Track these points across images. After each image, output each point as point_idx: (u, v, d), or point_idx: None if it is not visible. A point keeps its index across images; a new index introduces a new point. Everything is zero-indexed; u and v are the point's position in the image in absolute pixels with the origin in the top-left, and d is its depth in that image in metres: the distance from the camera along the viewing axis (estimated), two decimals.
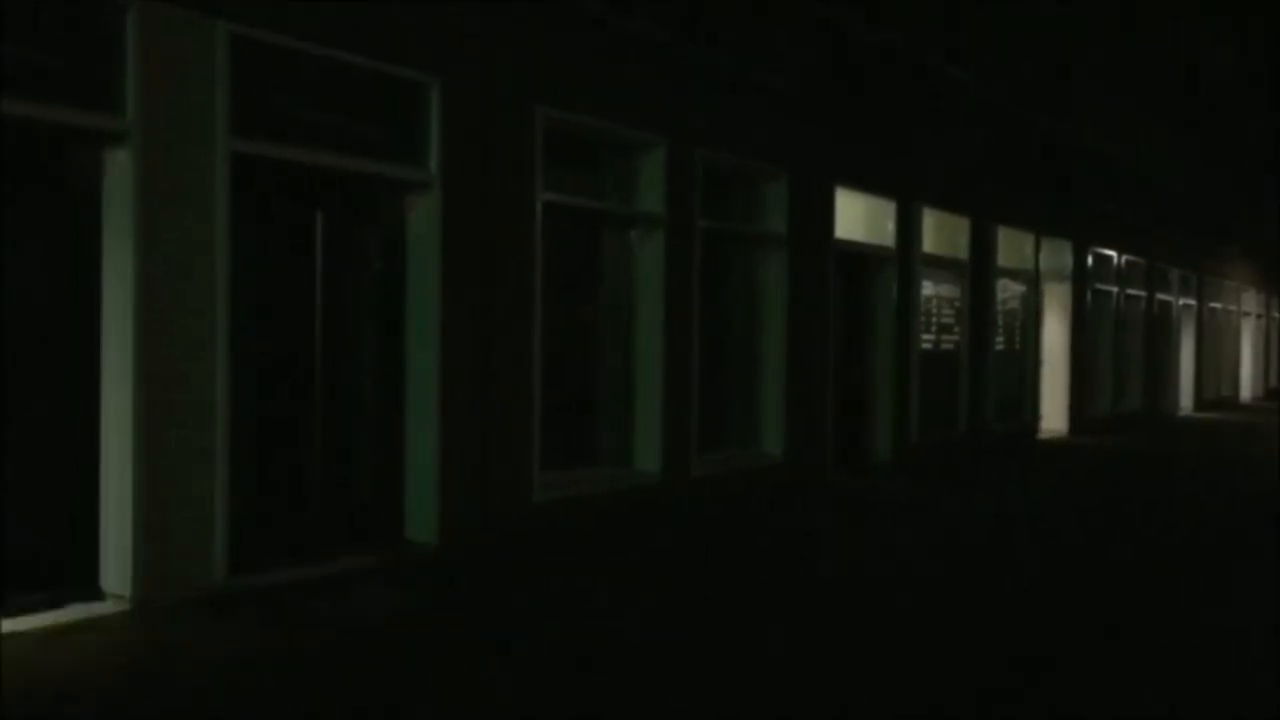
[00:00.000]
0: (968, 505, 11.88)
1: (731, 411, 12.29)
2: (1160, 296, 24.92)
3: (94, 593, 6.71)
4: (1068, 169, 19.36)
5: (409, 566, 8.09)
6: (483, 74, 8.82)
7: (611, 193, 10.72)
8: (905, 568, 8.83)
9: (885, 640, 6.70)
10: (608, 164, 10.68)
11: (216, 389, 7.04)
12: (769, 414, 12.50)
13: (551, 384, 9.62)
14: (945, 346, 16.15)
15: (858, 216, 13.88)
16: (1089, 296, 20.93)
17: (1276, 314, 36.66)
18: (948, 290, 16.20)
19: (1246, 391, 32.44)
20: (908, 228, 14.72)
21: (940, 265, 15.75)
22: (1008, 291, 18.05)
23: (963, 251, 16.39)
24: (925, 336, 15.49)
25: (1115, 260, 22.30)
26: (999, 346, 17.64)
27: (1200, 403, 27.53)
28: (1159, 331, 24.93)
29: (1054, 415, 19.96)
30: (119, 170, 6.67)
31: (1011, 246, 17.80)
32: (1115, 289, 22.35)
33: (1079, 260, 20.44)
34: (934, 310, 15.81)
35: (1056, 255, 19.75)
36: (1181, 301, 26.40)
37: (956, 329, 16.45)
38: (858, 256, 14.02)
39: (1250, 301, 32.88)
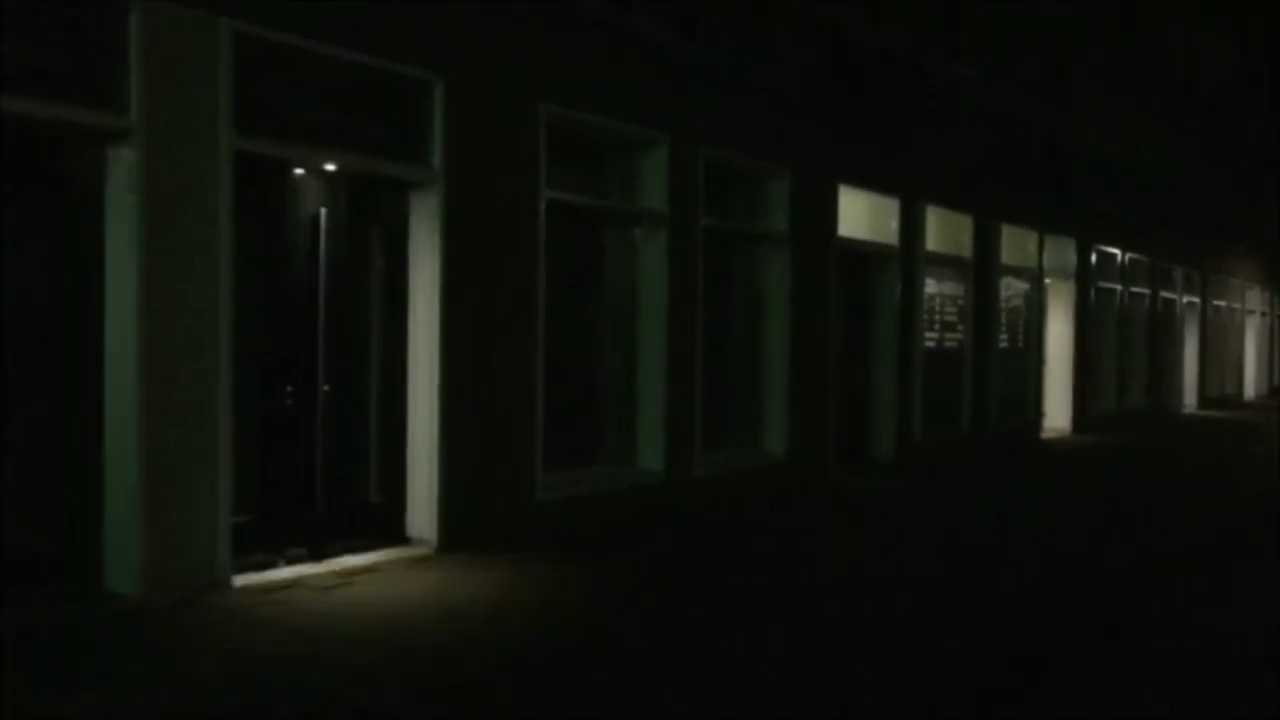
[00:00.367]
0: (970, 505, 11.89)
1: (733, 411, 12.29)
2: (1164, 294, 24.88)
3: (96, 592, 6.71)
4: (1069, 168, 19.34)
5: (409, 565, 8.10)
6: (485, 73, 8.82)
7: (614, 191, 10.72)
8: (906, 567, 8.83)
9: (886, 640, 6.71)
10: (610, 162, 10.68)
11: (218, 389, 7.04)
12: (771, 413, 12.50)
13: (554, 382, 9.63)
14: (948, 345, 16.12)
15: (861, 215, 13.86)
16: (1093, 294, 20.89)
17: None
18: (951, 288, 16.16)
19: (1250, 389, 32.38)
20: (911, 226, 14.70)
21: (943, 263, 15.73)
22: (1011, 289, 18.00)
23: (966, 249, 16.35)
24: (928, 335, 15.45)
25: (1119, 258, 22.25)
26: (1002, 345, 17.59)
27: (1204, 401, 27.48)
28: (1163, 329, 24.88)
29: (1057, 414, 19.92)
30: (122, 169, 6.68)
31: (1015, 244, 17.76)
32: (1119, 287, 22.30)
33: (1082, 258, 20.39)
34: (937, 308, 15.78)
35: (1060, 253, 19.68)
36: (1185, 299, 26.35)
37: (960, 327, 16.41)
38: (860, 255, 14.00)
39: (1254, 299, 32.82)
